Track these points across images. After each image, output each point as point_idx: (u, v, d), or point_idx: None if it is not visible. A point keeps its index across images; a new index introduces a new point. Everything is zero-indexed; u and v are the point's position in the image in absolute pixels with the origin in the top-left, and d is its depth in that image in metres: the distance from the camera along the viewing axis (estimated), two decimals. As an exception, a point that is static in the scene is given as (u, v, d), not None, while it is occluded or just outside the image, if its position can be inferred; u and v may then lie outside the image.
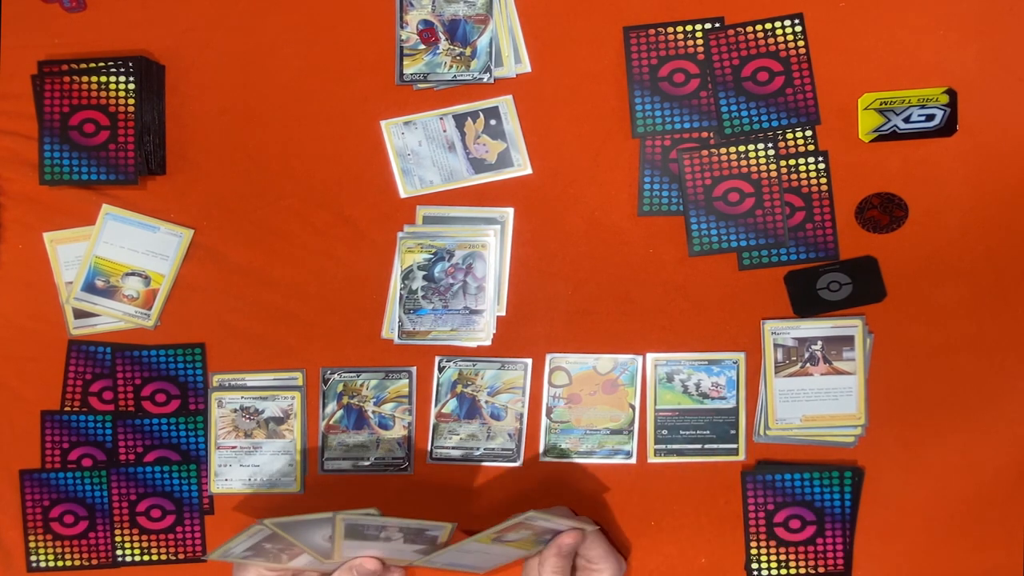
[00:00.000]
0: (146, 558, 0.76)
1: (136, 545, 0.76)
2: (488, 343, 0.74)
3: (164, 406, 0.76)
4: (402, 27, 0.73)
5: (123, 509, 0.76)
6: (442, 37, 0.73)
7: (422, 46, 0.73)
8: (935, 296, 0.73)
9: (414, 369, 0.74)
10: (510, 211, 0.74)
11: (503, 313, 0.74)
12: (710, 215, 0.73)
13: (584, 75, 0.74)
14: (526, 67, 0.73)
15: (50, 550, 0.76)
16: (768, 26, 0.72)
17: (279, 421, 0.75)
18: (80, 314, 0.75)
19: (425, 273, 0.74)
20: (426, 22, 0.73)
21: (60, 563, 0.76)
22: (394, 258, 0.74)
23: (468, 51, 0.73)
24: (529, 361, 0.74)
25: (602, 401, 0.74)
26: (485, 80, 0.73)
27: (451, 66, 0.73)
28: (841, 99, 0.72)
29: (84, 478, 0.76)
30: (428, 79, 0.73)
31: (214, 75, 0.75)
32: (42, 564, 0.76)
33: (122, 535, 0.76)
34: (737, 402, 0.73)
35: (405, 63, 0.73)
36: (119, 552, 0.76)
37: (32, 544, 0.76)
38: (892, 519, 0.73)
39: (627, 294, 0.74)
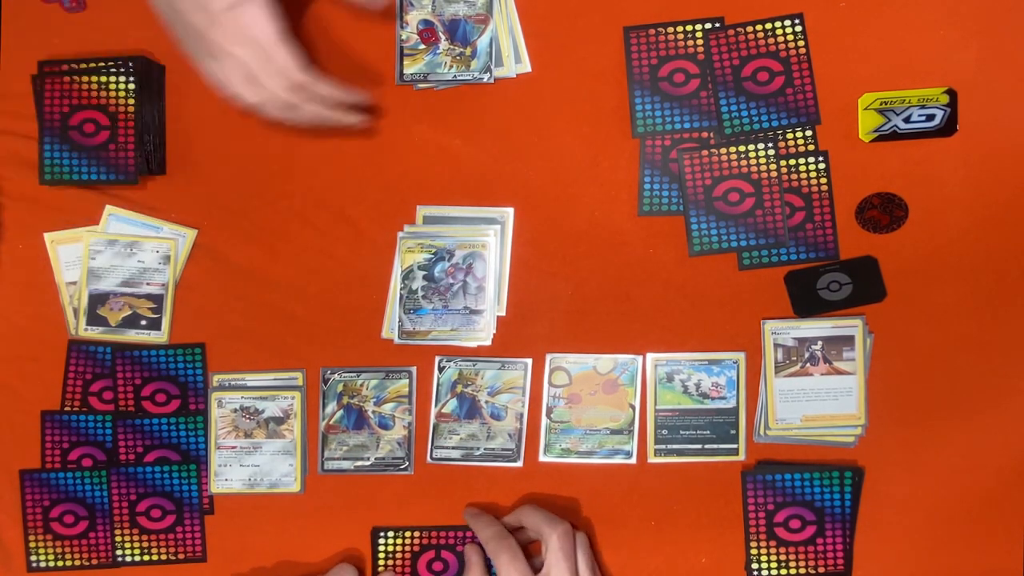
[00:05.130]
0: (146, 558, 0.76)
1: (136, 545, 0.76)
2: (488, 343, 0.74)
3: (164, 406, 0.76)
4: (402, 27, 0.73)
5: (123, 509, 0.76)
6: (442, 37, 0.73)
7: (422, 46, 0.73)
8: (935, 296, 0.73)
9: (414, 369, 0.74)
10: (510, 211, 0.74)
11: (503, 313, 0.74)
12: (710, 215, 0.73)
13: (584, 75, 0.74)
14: (526, 67, 0.73)
15: (50, 550, 0.76)
16: (768, 26, 0.72)
17: (279, 421, 0.75)
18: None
19: (425, 273, 0.74)
20: (426, 22, 0.73)
21: (60, 563, 0.76)
22: (394, 258, 0.74)
23: (468, 51, 0.73)
24: (529, 361, 0.74)
25: (602, 401, 0.74)
26: (485, 80, 0.73)
27: (451, 66, 0.73)
28: (841, 99, 0.72)
29: (84, 478, 0.76)
30: (428, 79, 0.73)
31: (214, 75, 0.75)
32: (42, 564, 0.76)
33: (122, 535, 0.76)
34: (737, 402, 0.73)
35: (405, 63, 0.73)
36: (119, 552, 0.76)
37: (32, 544, 0.76)
38: (892, 519, 0.73)
39: (627, 294, 0.74)
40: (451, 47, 0.73)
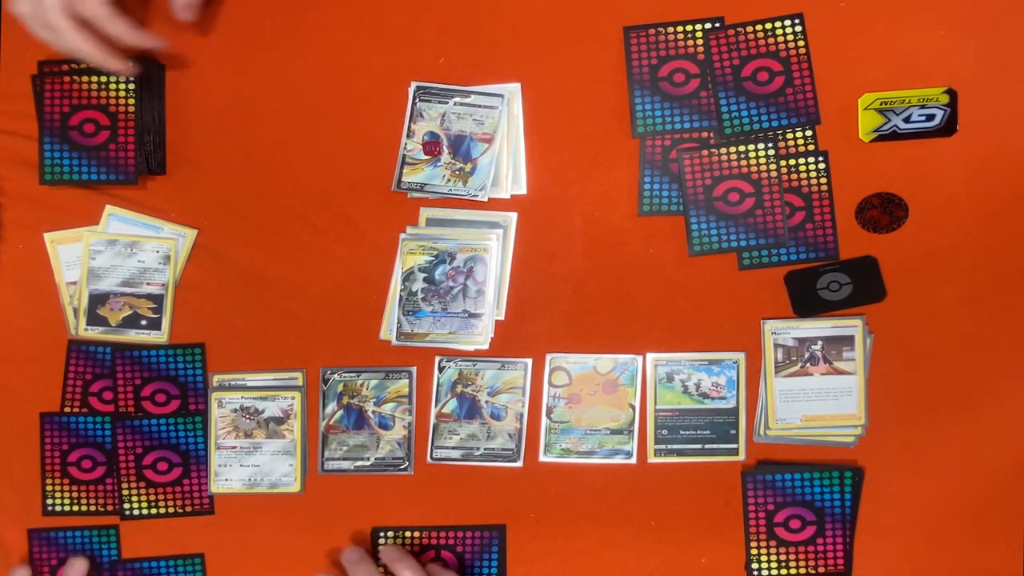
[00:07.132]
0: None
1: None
2: (485, 347, 0.74)
3: (164, 406, 0.76)
4: (408, 136, 0.73)
5: (123, 509, 0.76)
6: (445, 151, 0.73)
7: (424, 157, 0.73)
8: (935, 296, 0.73)
9: (414, 369, 0.74)
10: (513, 216, 0.74)
11: (502, 318, 0.74)
12: (710, 215, 0.73)
13: (584, 75, 0.74)
14: (522, 189, 0.74)
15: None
16: (768, 26, 0.72)
17: (279, 421, 0.75)
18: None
19: (426, 275, 0.74)
20: (432, 134, 0.73)
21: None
22: (395, 259, 0.74)
23: (468, 167, 0.73)
24: (529, 361, 0.74)
25: (602, 401, 0.74)
26: (479, 198, 0.73)
27: (449, 180, 0.73)
28: (841, 99, 0.72)
29: (84, 478, 0.76)
30: (424, 190, 0.73)
31: (214, 75, 0.75)
32: (42, 564, 0.76)
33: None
34: (737, 402, 0.73)
35: (405, 171, 0.73)
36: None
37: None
38: (892, 519, 0.73)
39: (627, 294, 0.74)
40: (452, 161, 0.73)
